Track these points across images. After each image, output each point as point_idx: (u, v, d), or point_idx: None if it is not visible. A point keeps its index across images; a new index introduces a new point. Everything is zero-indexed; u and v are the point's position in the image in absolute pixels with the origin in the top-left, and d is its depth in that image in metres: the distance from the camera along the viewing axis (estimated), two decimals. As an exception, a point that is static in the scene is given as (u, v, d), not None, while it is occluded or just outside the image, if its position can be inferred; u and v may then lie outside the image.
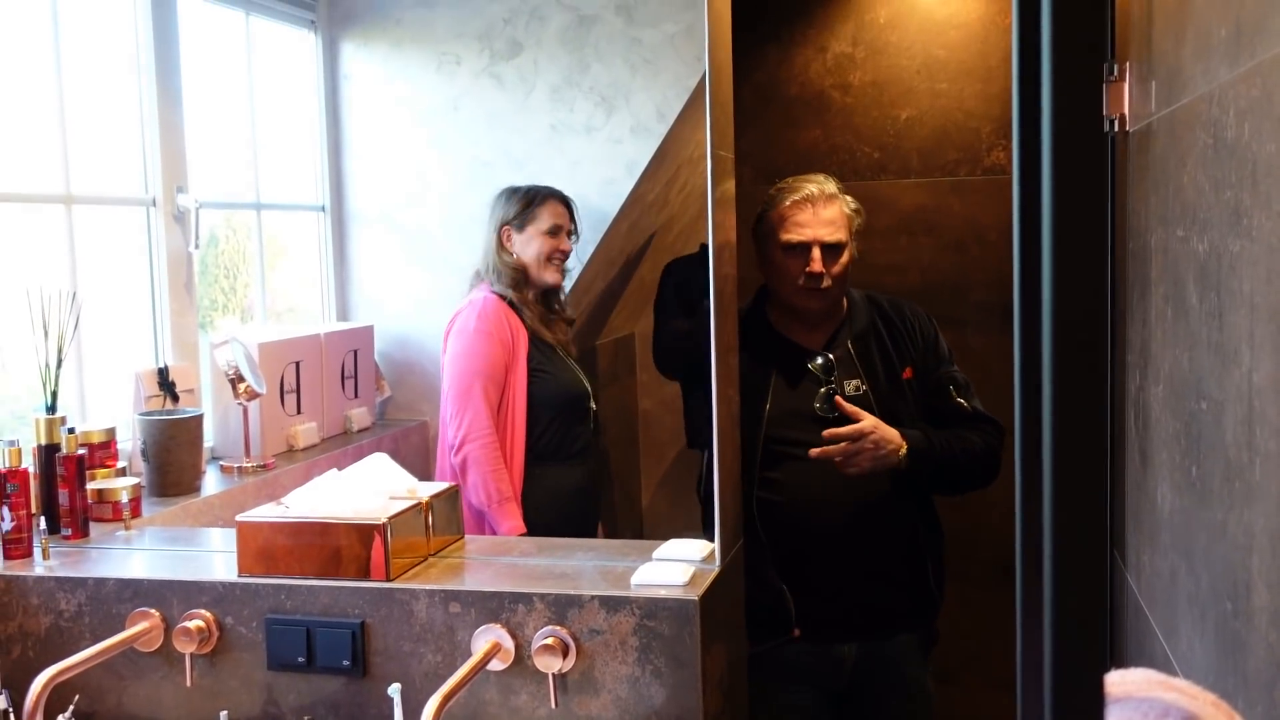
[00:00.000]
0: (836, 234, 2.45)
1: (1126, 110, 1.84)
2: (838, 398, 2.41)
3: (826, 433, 2.37)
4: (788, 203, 2.47)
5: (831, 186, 2.49)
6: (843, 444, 2.35)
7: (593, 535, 2.90)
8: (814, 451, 2.36)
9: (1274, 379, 1.01)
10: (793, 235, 2.45)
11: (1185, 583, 1.39)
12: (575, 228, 2.90)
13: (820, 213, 2.45)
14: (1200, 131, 1.30)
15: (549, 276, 2.82)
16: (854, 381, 2.47)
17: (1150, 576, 1.64)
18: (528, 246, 2.81)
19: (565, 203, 2.88)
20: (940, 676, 2.68)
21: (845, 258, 2.48)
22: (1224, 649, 1.20)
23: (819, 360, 2.48)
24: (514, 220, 2.83)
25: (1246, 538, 1.10)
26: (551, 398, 2.78)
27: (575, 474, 2.84)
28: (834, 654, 2.48)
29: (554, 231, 2.82)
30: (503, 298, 2.78)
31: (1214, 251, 1.23)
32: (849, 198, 2.52)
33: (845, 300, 2.56)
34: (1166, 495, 1.51)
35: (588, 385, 2.90)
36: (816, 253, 2.44)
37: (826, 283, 2.44)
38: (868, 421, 2.37)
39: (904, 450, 2.39)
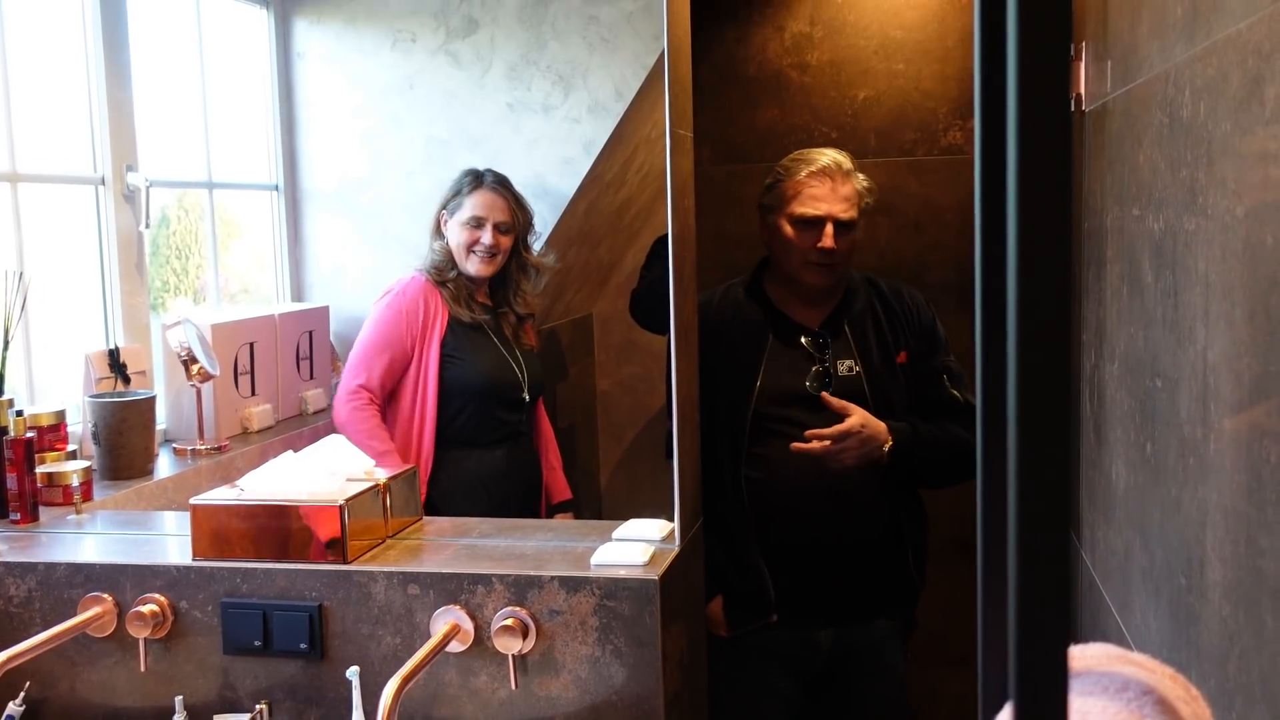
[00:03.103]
0: (850, 211, 2.41)
1: (1083, 90, 1.85)
2: (824, 394, 2.37)
3: (809, 432, 2.34)
4: (804, 174, 2.42)
5: (848, 162, 2.44)
6: (826, 441, 2.33)
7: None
8: (796, 446, 2.33)
9: (1228, 356, 1.02)
10: (807, 209, 2.40)
11: (1139, 558, 1.41)
12: (516, 220, 2.78)
13: (838, 188, 2.40)
14: (1156, 111, 1.30)
15: (470, 267, 2.76)
16: (847, 362, 2.44)
17: (1105, 553, 1.66)
18: (453, 235, 2.77)
19: (503, 194, 2.77)
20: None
21: (854, 236, 2.45)
22: (1178, 623, 1.21)
23: (813, 338, 2.45)
24: (448, 205, 2.79)
25: (1200, 513, 1.11)
26: (465, 383, 2.73)
27: (491, 459, 2.77)
28: (811, 639, 2.47)
29: (475, 223, 2.74)
30: (430, 280, 2.77)
31: (1169, 230, 1.24)
32: (862, 175, 2.47)
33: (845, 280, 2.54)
34: (1121, 472, 1.53)
35: (521, 376, 2.82)
36: (830, 229, 2.39)
37: (837, 259, 2.41)
38: (855, 419, 2.34)
39: (888, 445, 2.36)
